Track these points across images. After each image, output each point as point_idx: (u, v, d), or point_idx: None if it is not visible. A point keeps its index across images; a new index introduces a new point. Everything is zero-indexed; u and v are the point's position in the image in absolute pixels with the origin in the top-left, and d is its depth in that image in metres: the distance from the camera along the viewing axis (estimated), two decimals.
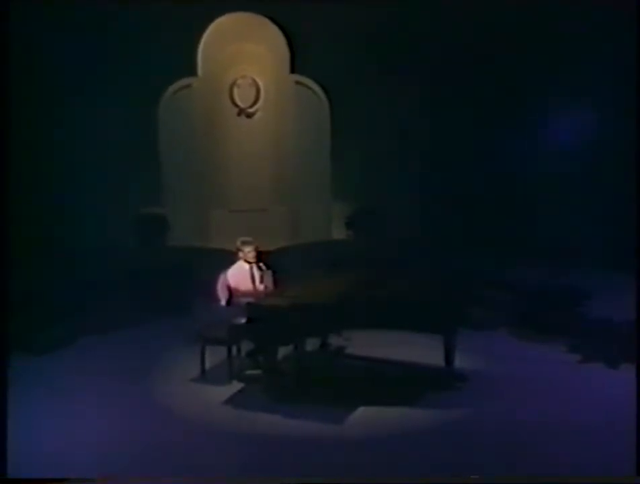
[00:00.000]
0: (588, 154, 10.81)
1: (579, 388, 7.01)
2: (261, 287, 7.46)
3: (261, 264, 7.51)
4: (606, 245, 10.16)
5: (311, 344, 7.64)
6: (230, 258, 7.60)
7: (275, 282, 7.53)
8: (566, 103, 10.96)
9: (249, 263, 7.47)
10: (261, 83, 12.33)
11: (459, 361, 7.38)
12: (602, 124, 10.67)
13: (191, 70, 11.88)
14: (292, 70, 12.15)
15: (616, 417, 6.16)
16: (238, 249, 7.51)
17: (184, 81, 11.92)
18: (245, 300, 7.17)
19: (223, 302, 7.41)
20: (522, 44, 10.95)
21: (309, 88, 12.24)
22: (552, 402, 6.70)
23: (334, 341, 7.92)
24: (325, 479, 5.52)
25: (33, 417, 6.41)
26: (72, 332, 8.60)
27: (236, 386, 7.21)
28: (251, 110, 12.39)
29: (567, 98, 10.96)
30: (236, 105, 12.35)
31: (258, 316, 6.89)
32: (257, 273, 7.49)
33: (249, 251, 7.47)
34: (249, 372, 7.40)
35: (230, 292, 7.37)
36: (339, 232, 12.47)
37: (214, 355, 7.51)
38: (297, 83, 12.21)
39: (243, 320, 7.05)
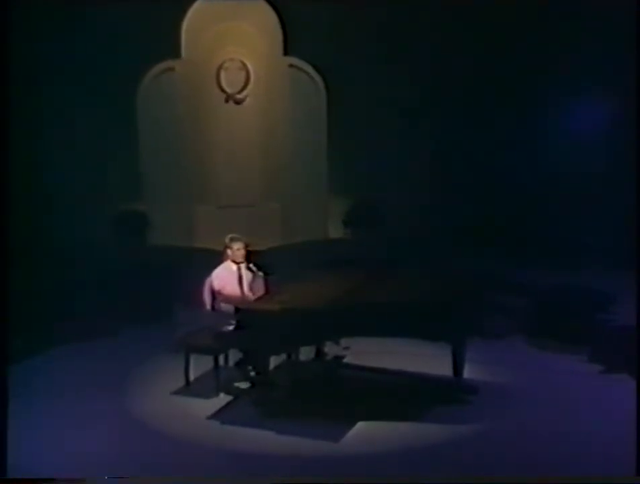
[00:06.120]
0: (601, 154, 10.97)
1: (584, 392, 7.13)
2: (249, 292, 7.42)
3: (250, 265, 7.47)
4: (630, 247, 10.23)
5: (306, 353, 7.64)
6: (218, 259, 7.56)
7: (266, 285, 7.49)
8: (572, 101, 11.13)
9: (237, 263, 7.43)
10: (251, 66, 12.33)
11: (468, 372, 7.36)
12: (611, 124, 10.86)
13: (174, 51, 11.84)
14: (285, 52, 12.16)
15: (616, 417, 6.34)
16: (226, 247, 7.47)
17: (166, 64, 11.92)
18: (230, 304, 7.13)
19: (209, 307, 7.38)
20: (527, 34, 11.14)
21: (304, 71, 12.26)
22: (566, 413, 6.76)
23: (331, 349, 7.90)
24: (324, 479, 5.60)
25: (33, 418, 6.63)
26: (45, 339, 8.61)
27: (224, 399, 7.18)
28: (240, 96, 12.38)
29: (571, 97, 11.15)
30: (224, 91, 12.34)
31: (248, 322, 6.85)
32: (245, 275, 7.46)
33: (237, 249, 7.42)
34: (237, 383, 7.36)
35: (214, 294, 7.33)
36: (336, 231, 12.50)
37: (200, 366, 7.47)
38: (291, 65, 12.23)
39: (231, 327, 7.02)
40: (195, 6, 11.79)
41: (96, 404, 7.08)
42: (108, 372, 7.84)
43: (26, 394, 6.94)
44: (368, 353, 7.81)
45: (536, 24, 11.07)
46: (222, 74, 12.31)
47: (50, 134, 10.78)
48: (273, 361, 7.18)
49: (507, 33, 11.06)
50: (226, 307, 7.20)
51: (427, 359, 7.59)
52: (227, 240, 7.52)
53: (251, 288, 7.45)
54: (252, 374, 7.25)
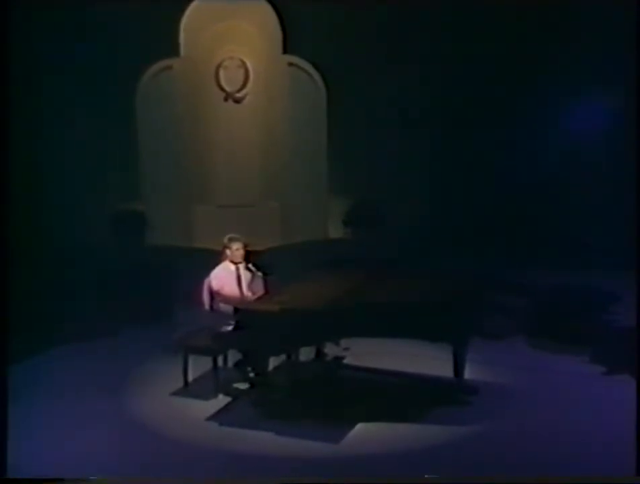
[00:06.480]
0: (601, 154, 11.01)
1: (584, 393, 7.18)
2: (248, 292, 7.44)
3: (250, 265, 7.49)
4: (630, 247, 10.26)
5: (306, 354, 7.63)
6: (217, 259, 7.58)
7: (265, 285, 7.51)
8: (572, 101, 11.17)
9: (236, 263, 7.45)
10: (250, 65, 12.31)
11: (469, 373, 7.37)
12: (611, 124, 10.89)
13: (172, 49, 11.84)
14: (285, 51, 12.14)
15: (616, 417, 6.37)
16: (225, 247, 7.48)
17: (165, 62, 11.90)
18: (228, 304, 7.15)
19: (208, 308, 7.39)
20: (527, 34, 11.19)
21: (303, 70, 12.24)
22: (567, 414, 6.81)
23: (331, 350, 7.92)
24: (324, 479, 5.62)
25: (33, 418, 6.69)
26: (45, 339, 8.63)
27: (223, 400, 7.20)
28: (239, 95, 12.38)
29: (571, 97, 11.18)
30: (223, 89, 12.33)
31: (247, 323, 6.86)
32: (244, 275, 7.47)
33: (236, 249, 7.43)
34: (236, 384, 7.38)
35: (212, 295, 7.35)
36: (336, 231, 12.48)
37: (198, 366, 7.50)
38: (290, 64, 12.21)
39: (230, 328, 7.03)
40: (194, 4, 11.77)
41: (96, 404, 7.11)
42: (107, 372, 7.86)
43: (26, 394, 6.97)
44: (368, 354, 7.82)
45: (536, 24, 11.10)
46: (221, 73, 12.29)
47: (50, 134, 10.77)
48: (273, 362, 7.19)
49: (508, 33, 11.09)
50: (225, 307, 7.21)
51: (428, 360, 7.62)
52: (226, 240, 7.52)
53: (250, 288, 7.47)
54: (251, 374, 7.25)
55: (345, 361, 8.00)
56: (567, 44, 11.05)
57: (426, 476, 5.82)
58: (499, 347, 8.44)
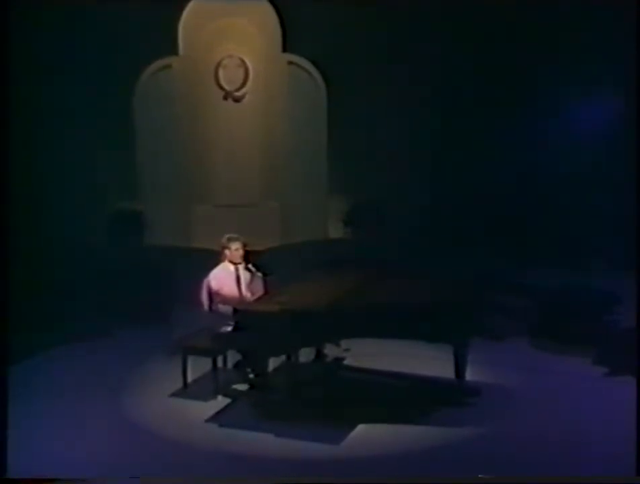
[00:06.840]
0: (601, 154, 11.07)
1: (585, 393, 7.23)
2: (247, 293, 7.46)
3: (249, 265, 7.50)
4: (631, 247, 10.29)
5: (306, 355, 7.63)
6: (216, 259, 7.59)
7: (265, 286, 7.53)
8: (572, 101, 11.21)
9: (235, 264, 7.46)
10: (249, 63, 12.31)
11: (470, 374, 7.40)
12: (611, 125, 10.92)
13: (171, 48, 11.85)
14: (284, 49, 12.15)
15: (616, 417, 6.42)
16: (224, 247, 7.48)
17: (163, 61, 11.90)
18: (227, 305, 7.17)
19: (207, 308, 7.41)
20: (527, 34, 11.21)
21: (303, 69, 12.24)
22: (567, 414, 6.85)
23: (331, 351, 7.94)
24: (324, 480, 5.65)
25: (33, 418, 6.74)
26: (45, 339, 8.65)
27: (222, 401, 7.22)
28: (238, 93, 12.38)
29: (571, 97, 11.22)
30: (222, 88, 12.33)
31: (246, 323, 6.88)
32: (243, 276, 7.48)
33: (235, 249, 7.43)
34: (236, 385, 7.41)
35: (211, 295, 7.36)
36: (336, 230, 12.49)
37: (198, 367, 7.52)
38: (290, 63, 12.20)
39: (230, 328, 7.05)
40: (193, 3, 11.76)
41: (96, 404, 7.15)
42: (107, 372, 7.90)
43: (26, 394, 7.01)
44: (368, 354, 7.85)
45: (536, 24, 11.11)
46: (221, 72, 12.27)
47: (49, 134, 10.78)
48: (273, 363, 7.21)
49: (508, 33, 11.09)
50: (225, 308, 7.22)
51: (428, 361, 7.64)
52: (224, 240, 7.52)
53: (249, 289, 7.48)
54: (251, 375, 7.27)
55: (345, 362, 8.03)
56: (567, 44, 11.06)
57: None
58: (500, 348, 8.47)
